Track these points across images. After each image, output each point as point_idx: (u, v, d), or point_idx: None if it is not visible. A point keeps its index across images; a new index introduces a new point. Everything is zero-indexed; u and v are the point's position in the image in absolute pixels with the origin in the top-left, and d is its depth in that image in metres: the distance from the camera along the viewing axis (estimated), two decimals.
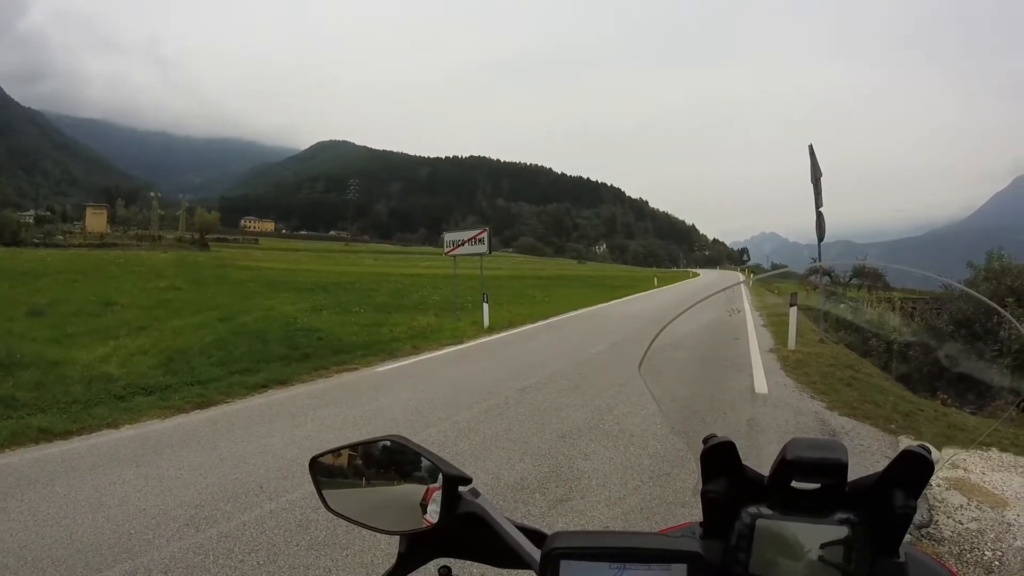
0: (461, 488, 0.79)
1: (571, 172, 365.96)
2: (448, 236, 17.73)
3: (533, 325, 15.71)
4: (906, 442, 6.00)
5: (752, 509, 0.79)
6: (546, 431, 5.74)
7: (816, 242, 15.33)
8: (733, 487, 0.81)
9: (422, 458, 0.80)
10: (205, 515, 3.82)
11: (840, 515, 0.76)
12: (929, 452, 0.75)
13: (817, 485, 0.77)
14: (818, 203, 14.93)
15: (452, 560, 0.82)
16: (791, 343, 11.29)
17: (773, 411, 6.65)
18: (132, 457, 4.97)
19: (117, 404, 6.66)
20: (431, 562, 0.82)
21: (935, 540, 3.78)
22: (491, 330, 13.79)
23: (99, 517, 3.78)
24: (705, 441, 0.80)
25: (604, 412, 6.42)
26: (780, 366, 9.46)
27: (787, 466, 0.75)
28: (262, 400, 7.20)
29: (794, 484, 0.77)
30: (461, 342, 12.08)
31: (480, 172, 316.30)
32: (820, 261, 15.92)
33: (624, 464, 4.84)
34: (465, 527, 0.79)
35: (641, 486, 4.38)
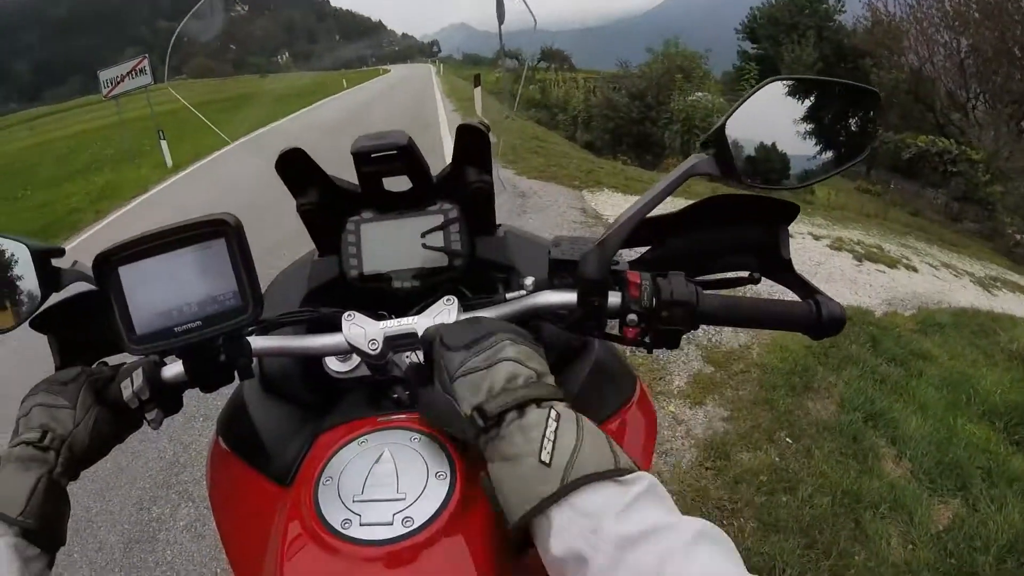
0: (55, 261, 0.71)
1: None
2: (103, 75, 15.09)
3: (221, 152, 14.52)
4: (588, 195, 7.03)
5: (355, 217, 0.84)
6: (252, 249, 5.74)
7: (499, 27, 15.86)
8: (328, 199, 0.83)
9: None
10: None
11: (433, 205, 0.83)
12: (487, 127, 0.79)
13: (409, 184, 0.83)
14: None
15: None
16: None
17: None
18: None
19: None
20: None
21: None
22: (176, 168, 12.58)
23: None
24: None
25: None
26: None
27: (357, 161, 0.78)
28: None
29: (388, 187, 0.83)
30: (146, 190, 10.99)
31: None
32: (503, 45, 16.61)
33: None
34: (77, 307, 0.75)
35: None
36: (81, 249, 7.97)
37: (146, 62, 14.22)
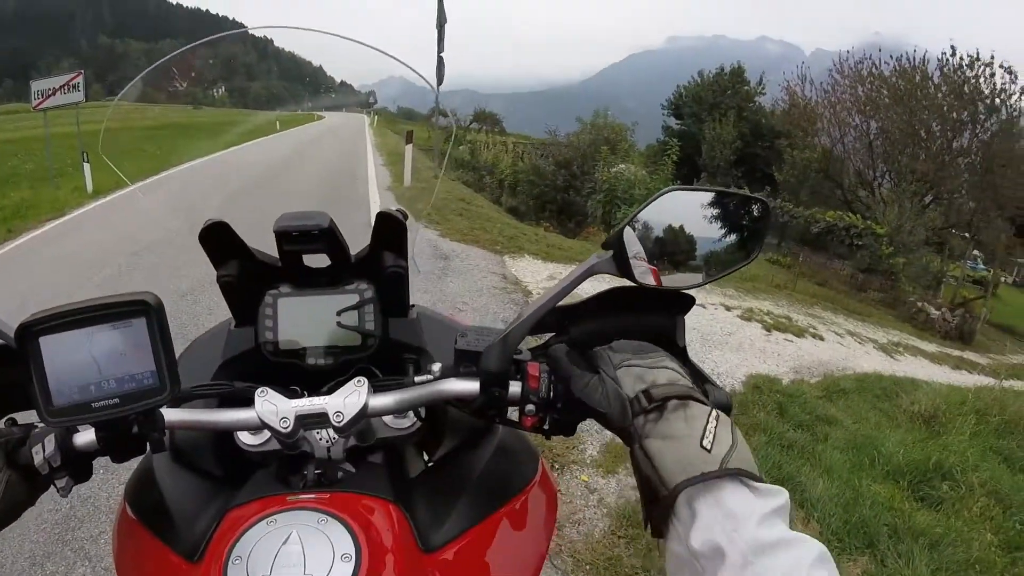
0: None
1: (187, 2, 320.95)
2: (35, 85, 14.36)
3: (145, 181, 13.95)
4: (509, 260, 7.11)
5: (273, 291, 0.85)
6: (165, 294, 5.50)
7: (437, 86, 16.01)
8: (248, 271, 0.85)
9: None
10: None
11: (350, 285, 0.86)
12: (405, 215, 0.84)
13: (329, 262, 0.85)
14: (440, 48, 15.39)
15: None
16: (407, 180, 11.63)
17: None
18: None
19: None
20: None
21: None
22: (96, 195, 11.94)
23: None
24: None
25: None
26: (395, 200, 9.89)
27: (279, 239, 0.80)
28: None
29: (308, 263, 0.85)
30: (63, 214, 10.39)
31: (77, 2, 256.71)
32: (439, 105, 16.79)
33: None
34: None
35: None
36: None
37: (81, 78, 13.66)
